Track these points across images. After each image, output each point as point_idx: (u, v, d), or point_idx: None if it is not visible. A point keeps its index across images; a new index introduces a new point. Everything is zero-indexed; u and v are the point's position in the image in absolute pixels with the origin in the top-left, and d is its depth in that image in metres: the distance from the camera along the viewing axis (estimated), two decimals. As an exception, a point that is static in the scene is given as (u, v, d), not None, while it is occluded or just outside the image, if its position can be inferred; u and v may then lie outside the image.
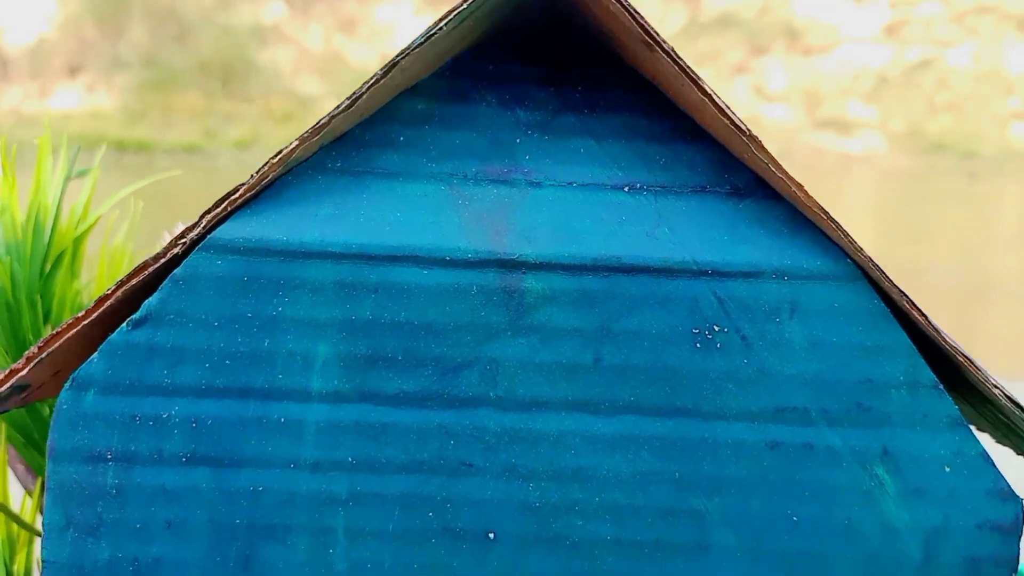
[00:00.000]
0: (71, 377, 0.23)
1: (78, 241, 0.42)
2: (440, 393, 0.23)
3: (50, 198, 0.42)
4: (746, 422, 0.23)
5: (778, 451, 0.23)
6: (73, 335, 0.23)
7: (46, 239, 0.41)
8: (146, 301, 0.23)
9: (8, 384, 0.23)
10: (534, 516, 0.23)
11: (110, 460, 0.23)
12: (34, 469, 0.40)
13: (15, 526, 0.39)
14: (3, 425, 0.39)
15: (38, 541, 0.39)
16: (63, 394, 0.23)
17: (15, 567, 0.39)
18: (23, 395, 0.25)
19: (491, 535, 0.23)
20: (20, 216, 0.42)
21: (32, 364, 0.23)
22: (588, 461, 0.23)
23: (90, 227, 0.42)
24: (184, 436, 0.23)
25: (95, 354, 0.23)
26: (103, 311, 0.23)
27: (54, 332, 0.23)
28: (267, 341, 0.23)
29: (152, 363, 0.23)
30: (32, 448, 0.40)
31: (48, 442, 0.23)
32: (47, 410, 0.40)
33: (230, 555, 0.23)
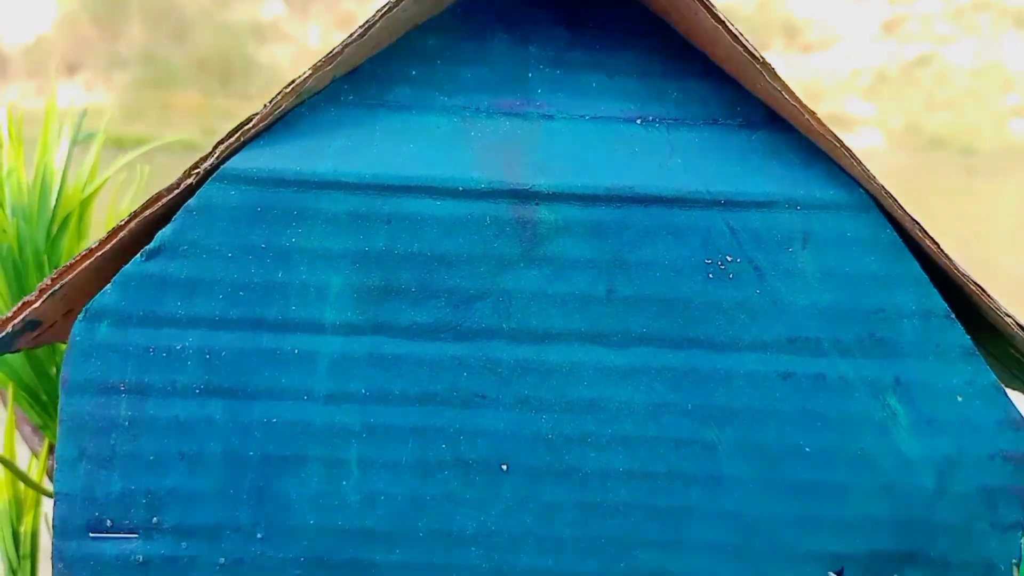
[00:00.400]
0: (84, 308, 0.23)
1: (85, 203, 0.42)
2: (453, 325, 0.23)
3: (56, 162, 0.42)
4: (758, 352, 0.23)
5: (790, 381, 0.23)
6: (87, 268, 0.23)
7: (53, 201, 0.41)
8: (160, 232, 0.23)
9: (20, 317, 0.23)
10: (547, 448, 0.23)
11: (123, 392, 0.23)
12: (41, 430, 0.40)
13: (22, 486, 0.39)
14: (11, 385, 0.39)
15: (46, 501, 0.39)
16: (76, 325, 0.23)
17: (22, 527, 0.39)
18: (35, 333, 0.25)
19: (504, 467, 0.23)
20: (27, 180, 0.42)
21: (45, 296, 0.23)
22: (600, 393, 0.23)
23: (97, 189, 0.42)
24: (198, 368, 0.23)
25: (108, 285, 0.23)
26: (117, 243, 0.23)
27: (68, 264, 0.23)
28: (280, 272, 0.23)
29: (166, 294, 0.23)
30: (39, 408, 0.40)
31: (61, 374, 0.23)
32: (54, 369, 0.40)
33: (243, 487, 0.23)
